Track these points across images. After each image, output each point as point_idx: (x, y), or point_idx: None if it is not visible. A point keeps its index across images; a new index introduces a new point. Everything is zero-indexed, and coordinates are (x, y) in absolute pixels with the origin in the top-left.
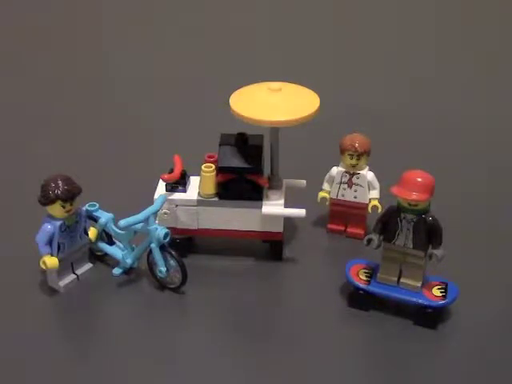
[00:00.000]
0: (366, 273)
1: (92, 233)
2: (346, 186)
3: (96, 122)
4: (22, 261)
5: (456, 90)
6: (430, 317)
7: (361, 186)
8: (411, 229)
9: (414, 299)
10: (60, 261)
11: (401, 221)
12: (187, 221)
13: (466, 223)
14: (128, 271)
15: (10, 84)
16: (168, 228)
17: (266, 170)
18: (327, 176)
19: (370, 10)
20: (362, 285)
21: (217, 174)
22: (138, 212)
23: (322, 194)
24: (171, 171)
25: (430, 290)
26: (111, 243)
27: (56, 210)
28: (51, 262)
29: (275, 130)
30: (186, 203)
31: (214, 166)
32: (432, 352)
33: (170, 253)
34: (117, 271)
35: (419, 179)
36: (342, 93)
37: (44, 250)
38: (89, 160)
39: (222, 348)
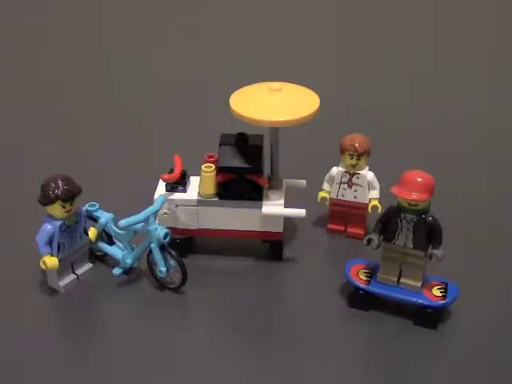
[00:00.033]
0: (366, 273)
1: (92, 233)
2: (345, 186)
3: (96, 122)
4: (21, 261)
5: (456, 89)
6: (430, 317)
7: (361, 186)
8: (411, 229)
9: (414, 299)
10: (60, 261)
11: (401, 221)
12: (187, 221)
13: (465, 223)
14: (128, 271)
15: (9, 84)
16: (168, 228)
17: (266, 170)
18: (327, 176)
19: (370, 10)
20: (361, 285)
21: (217, 174)
22: (138, 212)
23: (321, 194)
24: (171, 171)
25: (430, 290)
26: (111, 243)
27: (56, 210)
28: (51, 262)
29: (275, 130)
30: (186, 203)
31: (213, 166)
32: (432, 352)
33: (170, 253)
34: (117, 271)
35: (419, 179)
36: (342, 93)
37: (44, 250)
38: (89, 160)
39: (221, 348)
